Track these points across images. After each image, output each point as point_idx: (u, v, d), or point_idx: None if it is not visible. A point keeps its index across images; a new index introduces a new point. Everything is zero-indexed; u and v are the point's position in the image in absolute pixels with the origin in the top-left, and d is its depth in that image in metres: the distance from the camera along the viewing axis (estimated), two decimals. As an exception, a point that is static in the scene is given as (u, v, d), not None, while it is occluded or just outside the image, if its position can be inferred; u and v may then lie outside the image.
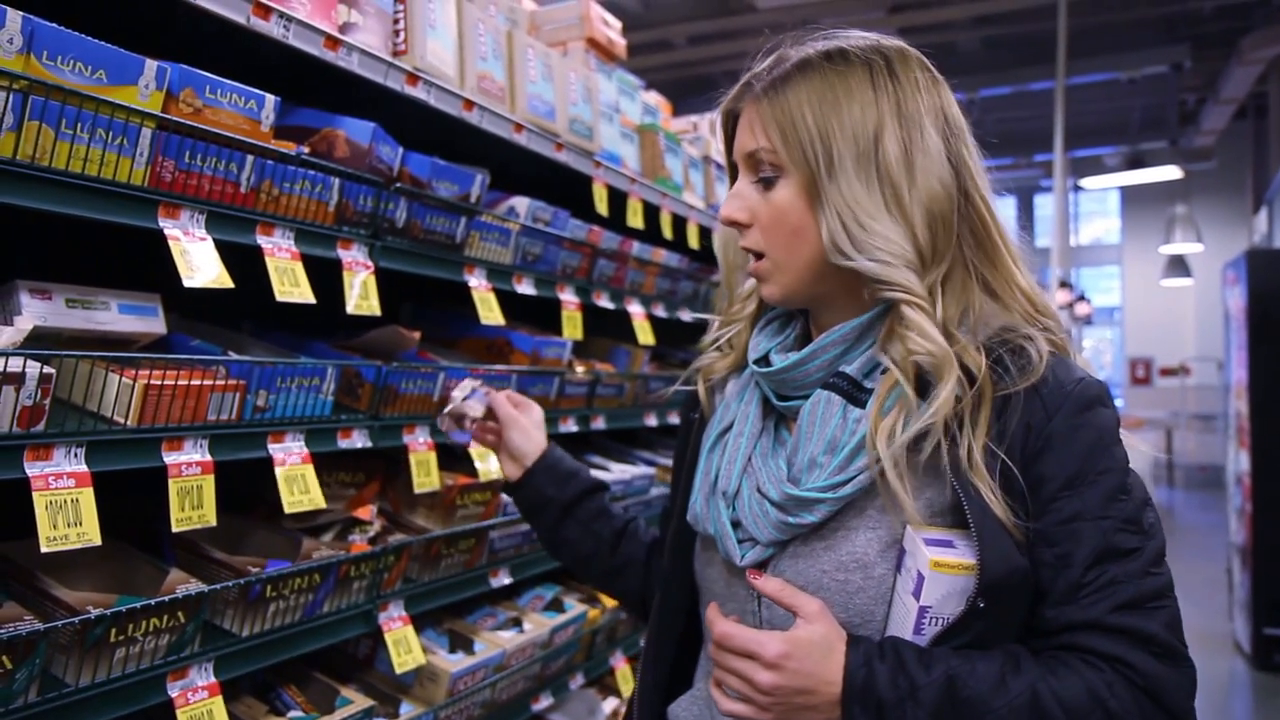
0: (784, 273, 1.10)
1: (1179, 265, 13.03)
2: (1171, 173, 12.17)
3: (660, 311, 2.90)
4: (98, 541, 1.21)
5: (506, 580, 2.16)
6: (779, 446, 1.14)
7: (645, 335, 2.71)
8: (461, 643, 2.06)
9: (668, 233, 2.89)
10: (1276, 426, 5.75)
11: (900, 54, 1.11)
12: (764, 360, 1.16)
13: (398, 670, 1.77)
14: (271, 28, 1.54)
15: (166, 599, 1.32)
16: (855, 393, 1.07)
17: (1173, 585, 1.02)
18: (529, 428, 1.50)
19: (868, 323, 1.08)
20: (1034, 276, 1.13)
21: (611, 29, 2.90)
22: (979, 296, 1.08)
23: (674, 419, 3.02)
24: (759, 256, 1.12)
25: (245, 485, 1.73)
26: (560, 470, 1.47)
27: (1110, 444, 1.03)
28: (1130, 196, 15.82)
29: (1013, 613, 1.02)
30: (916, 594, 1.00)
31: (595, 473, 2.57)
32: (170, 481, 1.36)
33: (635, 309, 2.73)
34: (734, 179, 1.16)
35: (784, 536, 1.08)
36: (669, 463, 2.99)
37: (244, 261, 1.54)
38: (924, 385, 1.04)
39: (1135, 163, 12.62)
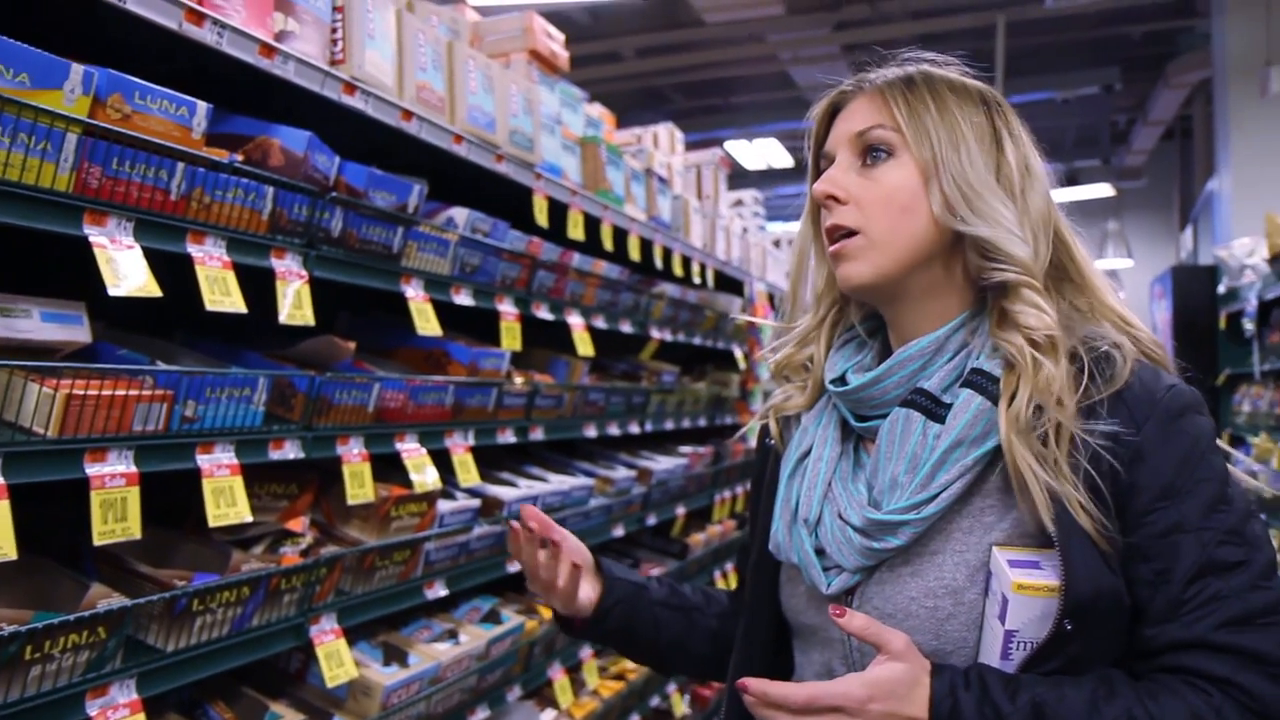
0: (881, 251, 1.08)
1: (1111, 280, 13.38)
2: (1104, 190, 12.52)
3: (600, 323, 2.91)
4: (13, 556, 1.18)
5: (442, 592, 2.14)
6: (859, 469, 1.13)
7: (585, 347, 2.72)
8: (396, 655, 2.04)
9: (609, 245, 2.90)
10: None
11: (996, 94, 1.16)
12: (841, 380, 1.15)
13: (329, 684, 1.75)
14: (205, 34, 1.53)
15: (86, 614, 1.29)
16: (934, 408, 1.06)
17: None
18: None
19: (946, 335, 1.09)
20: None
21: (554, 41, 2.91)
22: (1069, 317, 1.09)
23: (613, 429, 3.03)
24: (848, 235, 1.09)
25: (174, 496, 1.70)
26: (618, 566, 1.36)
27: (1205, 452, 1.00)
28: (1065, 212, 16.20)
29: (1107, 634, 0.98)
30: (1002, 618, 0.97)
31: (533, 484, 2.58)
32: (93, 493, 1.33)
33: (575, 320, 2.73)
34: (817, 176, 1.16)
35: (870, 562, 1.06)
36: (608, 474, 3.00)
37: (175, 270, 1.52)
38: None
39: (1069, 180, 12.95)
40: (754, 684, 0.98)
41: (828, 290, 1.21)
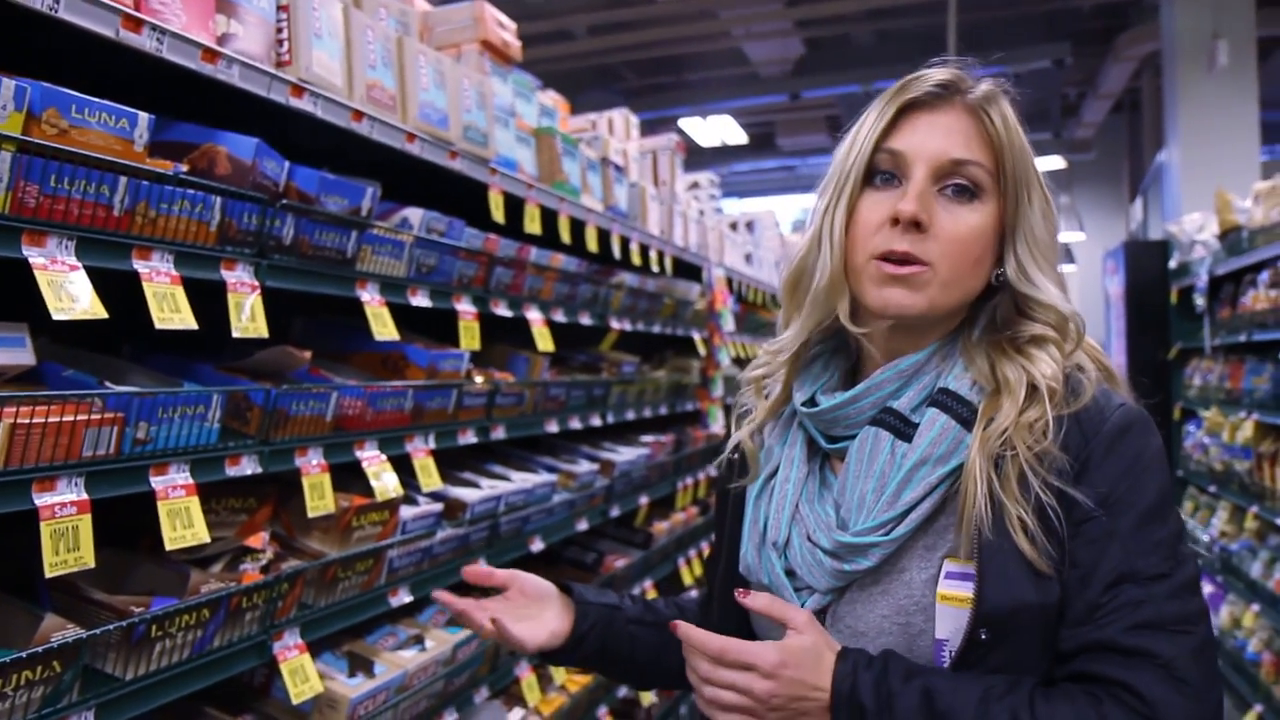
0: (943, 290, 1.06)
1: (1063, 253, 13.59)
2: (1055, 163, 12.67)
3: (559, 316, 2.89)
4: (-39, 595, 1.14)
5: (407, 598, 2.12)
6: (825, 490, 1.13)
7: (544, 342, 2.69)
8: (361, 665, 2.02)
9: (566, 237, 2.87)
10: (1152, 407, 6.05)
11: None
12: (811, 401, 1.14)
13: (294, 701, 1.72)
14: (144, 41, 1.47)
15: (40, 650, 1.25)
16: (903, 427, 1.07)
17: (1206, 615, 0.99)
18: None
19: (925, 358, 1.10)
20: None
21: (507, 30, 2.86)
22: None
23: (575, 423, 3.02)
24: (918, 262, 1.05)
25: (128, 514, 1.66)
26: (589, 589, 1.36)
27: (1147, 468, 1.02)
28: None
29: (1030, 646, 1.00)
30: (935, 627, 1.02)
31: (496, 483, 2.56)
32: (43, 524, 1.29)
33: (534, 315, 2.70)
34: (870, 173, 1.10)
35: (840, 583, 1.08)
36: (571, 468, 2.98)
37: (121, 284, 1.48)
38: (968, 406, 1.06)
39: (1021, 153, 13.08)
40: (681, 626, 1.04)
41: (825, 303, 1.12)
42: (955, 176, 1.07)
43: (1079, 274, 14.93)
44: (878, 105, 1.11)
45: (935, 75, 1.10)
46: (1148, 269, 6.42)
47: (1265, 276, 4.62)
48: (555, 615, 1.30)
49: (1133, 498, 1.00)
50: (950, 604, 1.00)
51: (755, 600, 1.05)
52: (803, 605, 1.10)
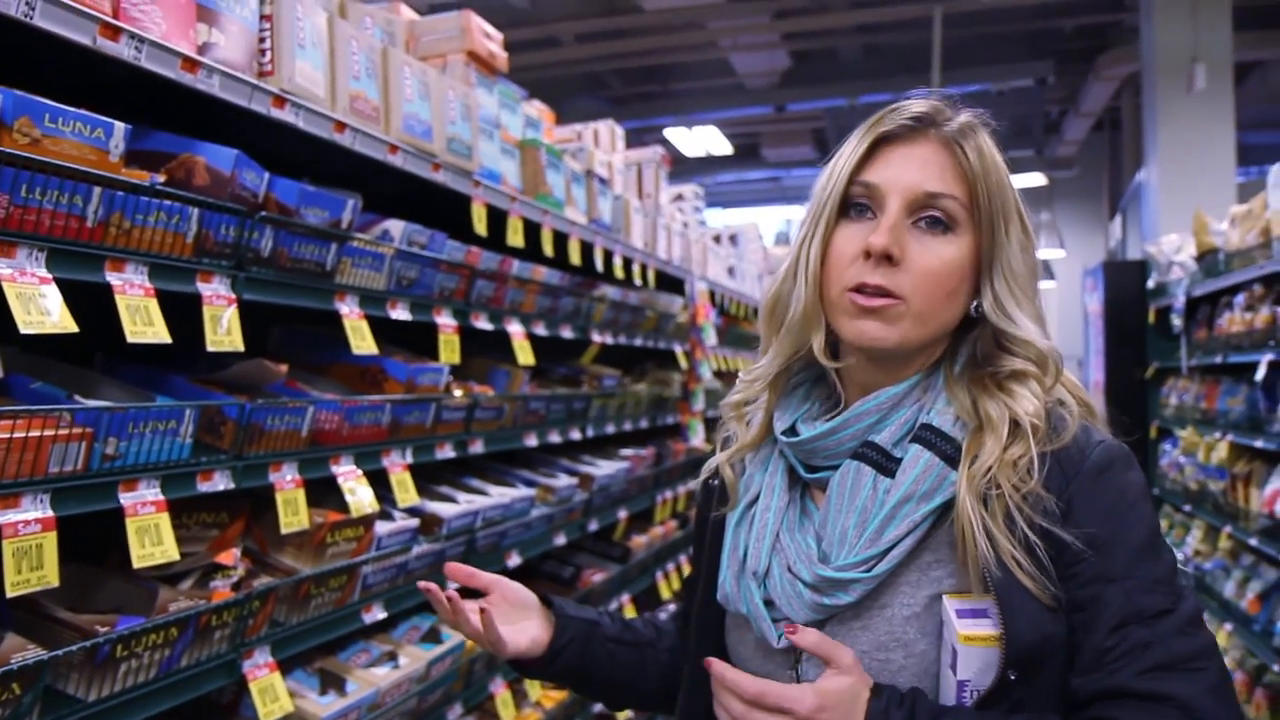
0: (915, 323, 1.05)
1: (1043, 269, 13.69)
2: (1037, 179, 12.77)
3: (540, 330, 2.87)
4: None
5: (381, 615, 2.09)
6: (806, 520, 1.12)
7: (525, 355, 2.67)
8: (333, 683, 1.99)
9: (549, 250, 2.86)
10: (1129, 424, 6.11)
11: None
12: (791, 430, 1.13)
13: (263, 720, 1.70)
14: (122, 49, 1.45)
15: None
16: (885, 463, 1.06)
17: (1216, 649, 0.97)
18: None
19: (904, 391, 1.08)
20: None
21: (493, 41, 2.84)
22: None
23: (554, 437, 3.00)
24: (890, 295, 1.04)
25: (95, 529, 1.63)
26: (569, 604, 1.33)
27: (1131, 505, 1.01)
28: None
29: (1051, 681, 0.99)
30: (954, 668, 0.99)
31: (473, 498, 2.54)
32: (4, 542, 1.26)
33: (515, 329, 2.69)
34: (845, 205, 1.09)
35: (820, 616, 1.06)
36: (550, 482, 2.96)
37: (93, 295, 1.45)
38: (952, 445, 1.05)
39: (1003, 169, 13.18)
40: (716, 665, 1.01)
41: (800, 334, 1.12)
42: (929, 209, 1.06)
43: (1058, 290, 15.05)
44: (854, 137, 1.11)
45: (912, 107, 1.09)
46: (1126, 289, 6.47)
47: (1241, 299, 4.66)
48: (535, 625, 1.27)
49: (1121, 536, 0.99)
50: (976, 644, 0.97)
51: (805, 638, 1.00)
52: (779, 637, 1.08)
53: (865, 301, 1.05)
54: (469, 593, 1.26)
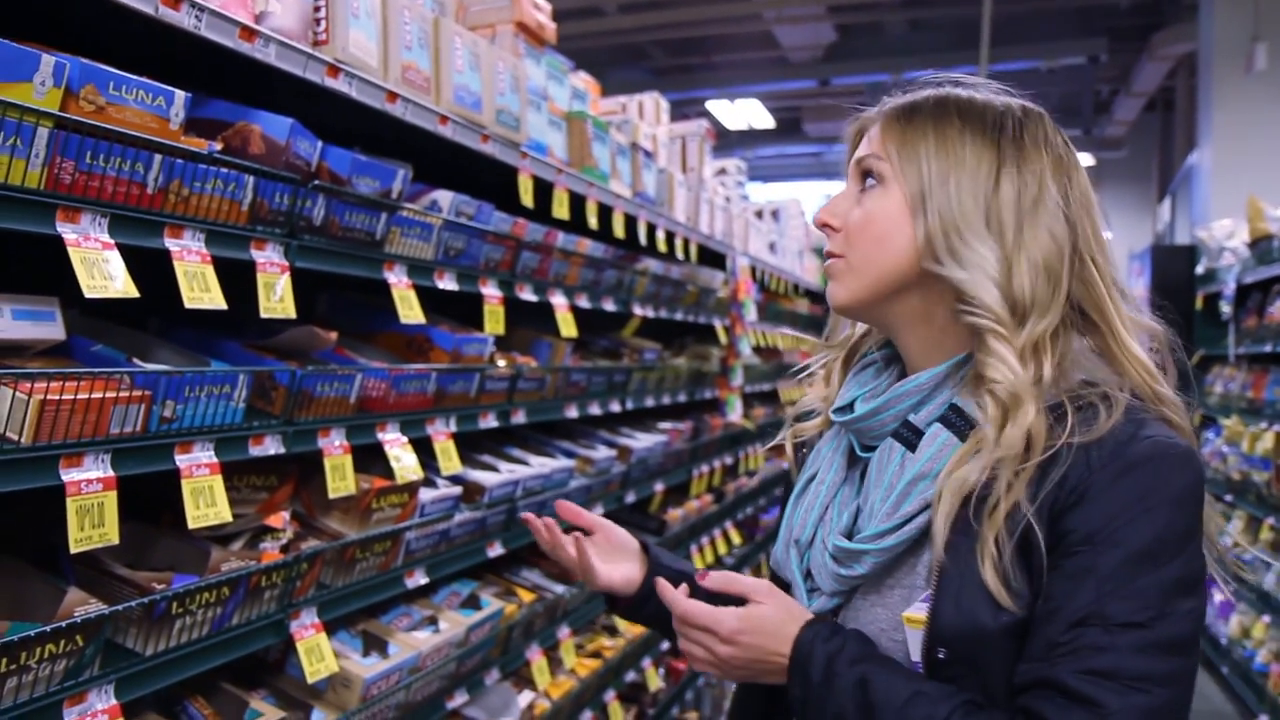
0: (856, 276, 1.10)
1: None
2: (1085, 159, 12.50)
3: (584, 302, 2.88)
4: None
5: (422, 580, 2.13)
6: (857, 497, 1.14)
7: (568, 328, 2.68)
8: (375, 645, 2.03)
9: (593, 222, 2.86)
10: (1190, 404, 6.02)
11: (1038, 116, 1.11)
12: (848, 407, 1.15)
13: (310, 679, 1.74)
14: (182, 18, 1.46)
15: (64, 624, 1.26)
16: (915, 440, 1.06)
17: (1178, 682, 0.91)
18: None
19: (945, 372, 1.08)
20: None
21: (541, 11, 2.84)
22: (1080, 359, 1.06)
23: (594, 409, 3.02)
24: (834, 255, 1.14)
25: (150, 489, 1.67)
26: (665, 553, 1.38)
27: (1152, 507, 0.93)
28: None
29: (991, 674, 0.98)
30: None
31: (515, 467, 2.57)
32: (69, 500, 1.30)
33: (559, 300, 2.70)
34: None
35: (842, 588, 1.09)
36: (589, 454, 2.98)
37: (151, 259, 1.47)
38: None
39: (1050, 148, 12.95)
40: (660, 584, 1.12)
41: None
42: (863, 172, 1.13)
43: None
44: (848, 144, 1.22)
45: (879, 105, 1.17)
46: (1174, 274, 6.36)
47: (1295, 287, 4.57)
48: (631, 567, 1.34)
49: (1124, 536, 0.93)
50: (913, 626, 1.01)
51: (713, 580, 1.10)
52: (809, 605, 1.12)
53: (825, 267, 1.16)
54: (576, 531, 1.36)
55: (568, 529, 1.35)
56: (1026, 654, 0.95)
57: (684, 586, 1.13)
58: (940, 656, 0.98)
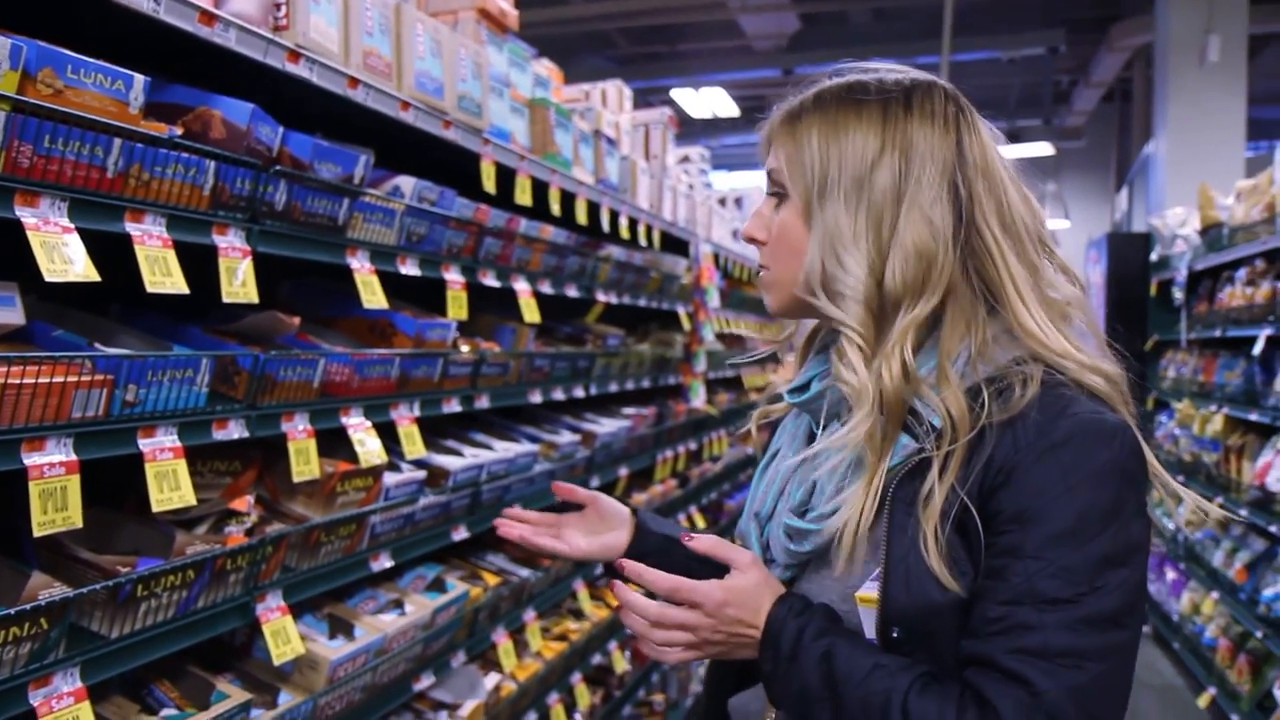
0: (781, 288, 1.15)
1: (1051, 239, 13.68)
2: (1044, 149, 12.69)
3: (546, 288, 2.90)
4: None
5: (388, 563, 2.15)
6: (813, 474, 1.16)
7: (531, 313, 2.70)
8: (341, 628, 2.04)
9: (556, 209, 2.88)
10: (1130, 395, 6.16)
11: (925, 88, 1.10)
12: (804, 388, 1.18)
13: (276, 662, 1.75)
14: (142, 2, 1.46)
15: (28, 607, 1.27)
16: None
17: (1111, 655, 0.93)
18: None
19: None
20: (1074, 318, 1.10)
21: (504, -1, 2.85)
22: (990, 333, 1.05)
23: (558, 394, 3.04)
24: (763, 268, 1.18)
25: (114, 474, 1.67)
26: (653, 518, 1.40)
27: (1077, 484, 0.95)
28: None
29: (944, 646, 1.00)
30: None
31: (479, 452, 2.59)
32: (31, 484, 1.30)
33: (521, 286, 2.71)
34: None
35: (794, 562, 1.12)
36: (553, 438, 3.01)
37: (112, 245, 1.48)
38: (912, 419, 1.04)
39: (1011, 138, 13.03)
40: (629, 564, 1.10)
41: None
42: (771, 185, 1.16)
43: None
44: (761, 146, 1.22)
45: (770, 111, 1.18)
46: (1129, 260, 6.49)
47: (1242, 274, 4.68)
48: (617, 535, 1.35)
49: (1048, 513, 0.94)
50: (865, 605, 1.03)
51: (700, 543, 1.10)
52: None
53: (758, 279, 1.21)
54: (567, 506, 1.40)
55: (561, 506, 1.39)
56: (969, 629, 0.98)
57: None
58: (895, 635, 1.01)
